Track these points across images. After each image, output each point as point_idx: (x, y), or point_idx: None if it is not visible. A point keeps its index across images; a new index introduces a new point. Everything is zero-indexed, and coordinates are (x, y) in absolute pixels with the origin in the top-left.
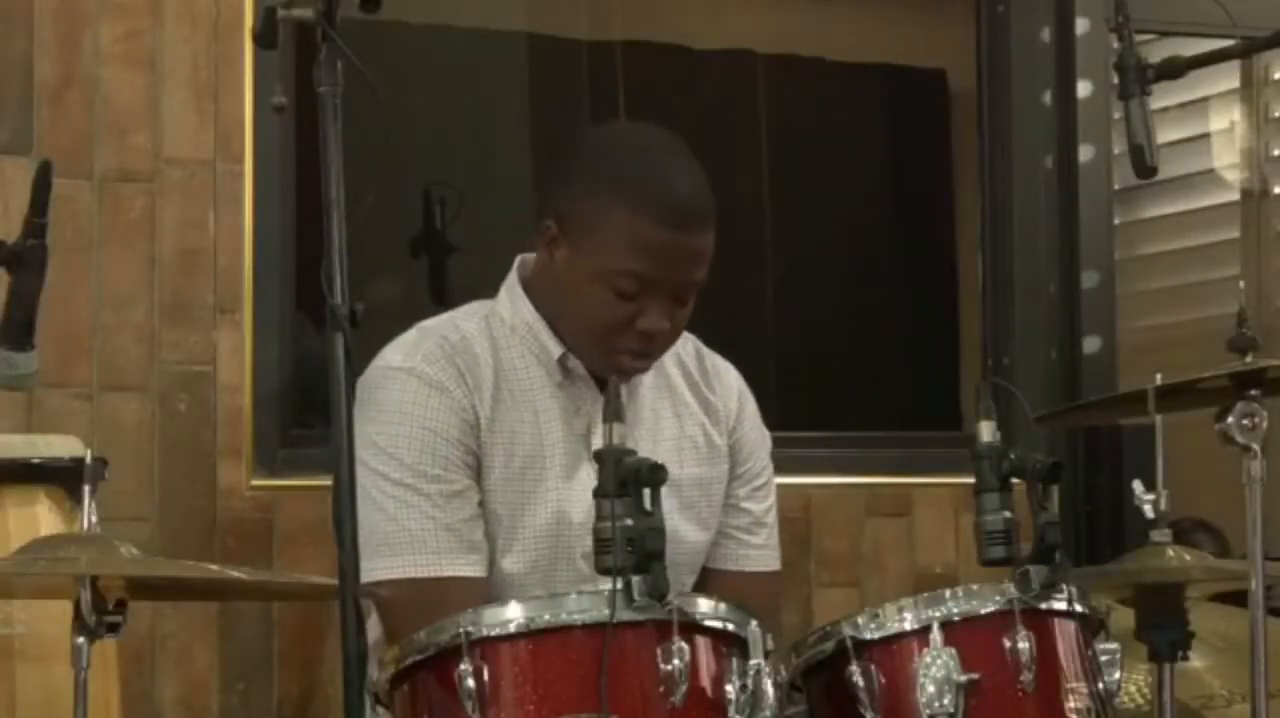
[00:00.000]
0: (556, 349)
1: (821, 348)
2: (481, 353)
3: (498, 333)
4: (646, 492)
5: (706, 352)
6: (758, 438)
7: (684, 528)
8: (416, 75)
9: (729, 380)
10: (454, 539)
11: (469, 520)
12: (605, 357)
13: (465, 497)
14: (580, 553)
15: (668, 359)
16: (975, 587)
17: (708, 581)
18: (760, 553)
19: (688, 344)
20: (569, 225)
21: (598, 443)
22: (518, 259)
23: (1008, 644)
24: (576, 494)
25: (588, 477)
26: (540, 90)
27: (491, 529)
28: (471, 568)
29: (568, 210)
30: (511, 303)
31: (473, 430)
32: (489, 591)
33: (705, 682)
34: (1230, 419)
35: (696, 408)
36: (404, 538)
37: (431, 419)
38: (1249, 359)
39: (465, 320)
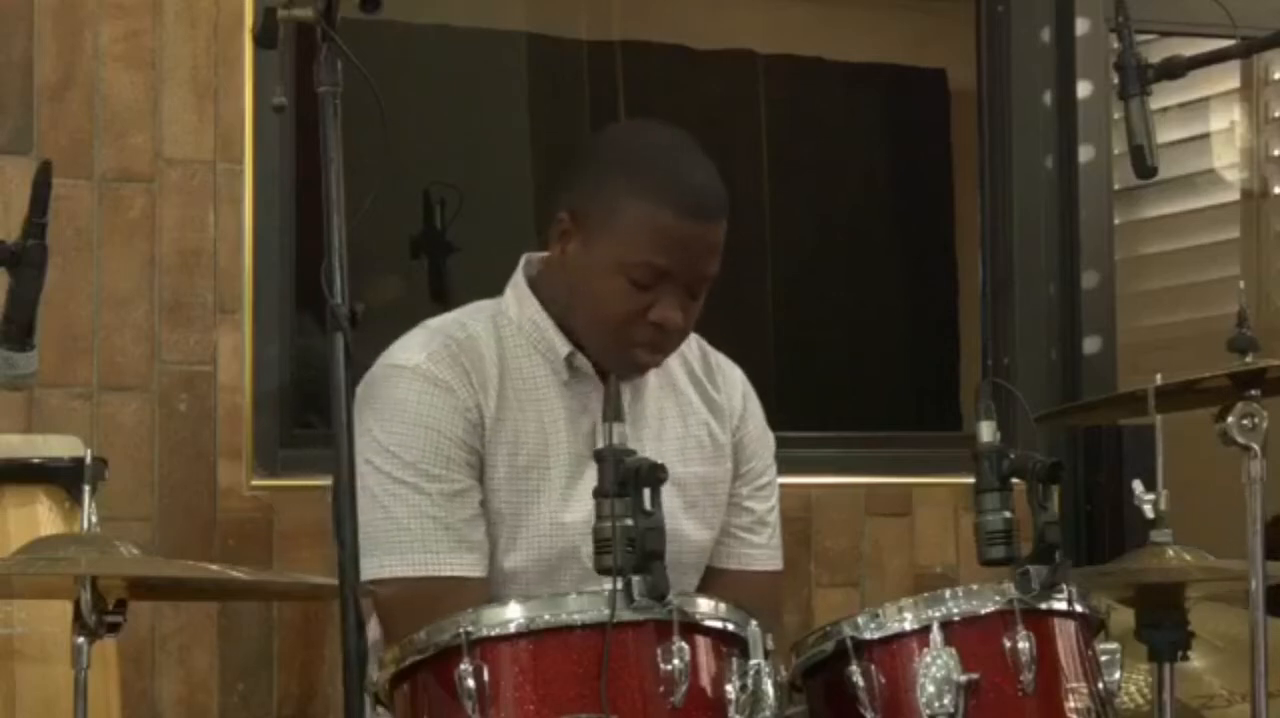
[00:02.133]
0: (564, 347)
1: (821, 348)
2: (487, 352)
3: (504, 332)
4: (646, 492)
5: (711, 350)
6: (761, 438)
7: (688, 527)
8: (416, 75)
9: (734, 379)
10: (452, 539)
11: (469, 520)
12: (619, 350)
13: (466, 496)
14: (585, 552)
15: (672, 359)
16: (975, 587)
17: (710, 579)
18: (762, 552)
19: (692, 344)
20: (584, 218)
21: (602, 442)
22: (523, 259)
23: (1008, 644)
24: (580, 494)
25: (593, 477)
26: (540, 90)
27: (494, 528)
28: (469, 568)
29: (583, 203)
30: (518, 302)
31: (476, 430)
32: (490, 590)
33: (705, 682)
34: (1230, 419)
35: (701, 406)
36: (403, 537)
37: (435, 418)
38: (1249, 359)
39: (472, 319)
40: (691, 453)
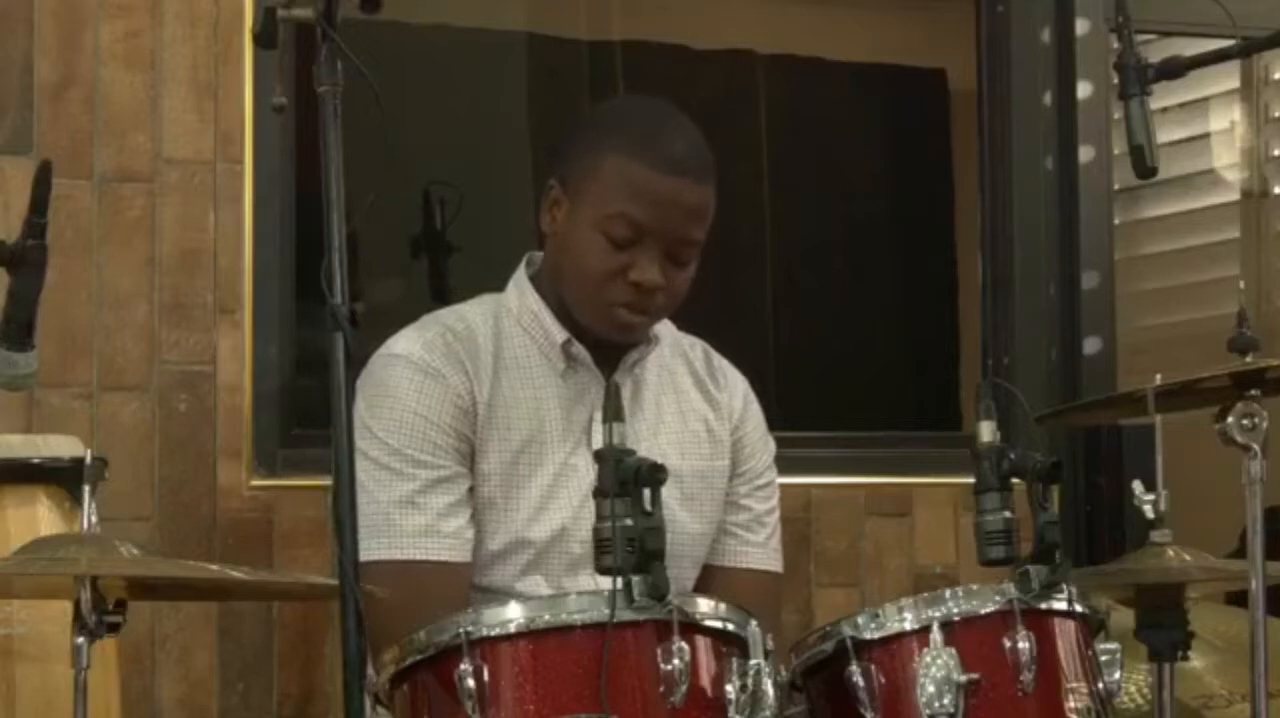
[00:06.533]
0: (560, 334)
1: (821, 348)
2: (483, 341)
3: (503, 322)
4: (646, 492)
5: (716, 356)
6: (760, 441)
7: (684, 519)
8: (416, 75)
9: (735, 381)
10: (430, 523)
11: (453, 505)
12: (600, 309)
13: (453, 482)
14: (578, 536)
15: (674, 357)
16: (975, 587)
17: (708, 577)
18: (760, 552)
19: (696, 348)
20: (570, 182)
21: (598, 434)
22: (526, 256)
23: (1008, 644)
24: (570, 482)
25: (584, 466)
26: (540, 90)
27: (484, 513)
28: (447, 552)
29: (569, 168)
30: (518, 293)
31: (468, 417)
32: (471, 575)
33: (705, 682)
34: (1230, 419)
35: (700, 401)
36: (380, 520)
37: (424, 405)
38: (1249, 359)
39: (471, 310)
40: (689, 447)
